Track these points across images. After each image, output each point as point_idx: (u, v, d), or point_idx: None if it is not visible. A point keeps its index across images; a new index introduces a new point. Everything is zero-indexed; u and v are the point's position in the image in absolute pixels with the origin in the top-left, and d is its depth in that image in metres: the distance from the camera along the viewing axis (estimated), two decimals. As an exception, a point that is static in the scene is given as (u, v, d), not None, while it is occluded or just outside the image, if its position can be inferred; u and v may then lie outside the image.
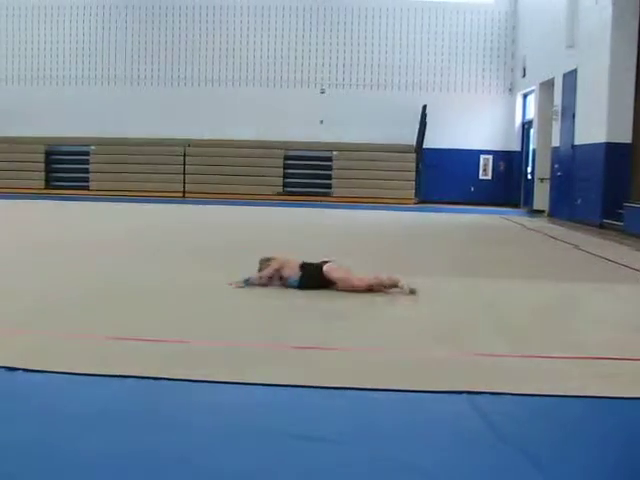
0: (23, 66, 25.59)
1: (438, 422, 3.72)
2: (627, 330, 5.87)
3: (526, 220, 18.32)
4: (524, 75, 23.20)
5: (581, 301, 7.13)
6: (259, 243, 10.70)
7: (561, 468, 3.17)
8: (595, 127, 16.32)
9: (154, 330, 5.33)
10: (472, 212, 20.51)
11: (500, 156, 24.79)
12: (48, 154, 25.11)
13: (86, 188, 24.52)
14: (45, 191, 24.22)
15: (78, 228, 13.57)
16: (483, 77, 24.84)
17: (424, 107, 24.08)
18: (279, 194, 23.96)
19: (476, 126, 24.61)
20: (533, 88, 22.16)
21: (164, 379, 4.16)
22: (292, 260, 7.25)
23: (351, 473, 3.07)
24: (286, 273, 7.17)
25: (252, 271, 7.31)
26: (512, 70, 24.57)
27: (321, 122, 24.68)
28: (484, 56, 24.79)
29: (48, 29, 25.44)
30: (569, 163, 18.15)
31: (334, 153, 24.41)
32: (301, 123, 24.44)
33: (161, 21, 25.22)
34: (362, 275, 7.16)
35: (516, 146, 24.32)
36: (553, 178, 19.65)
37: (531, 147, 22.72)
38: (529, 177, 22.74)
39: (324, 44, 24.99)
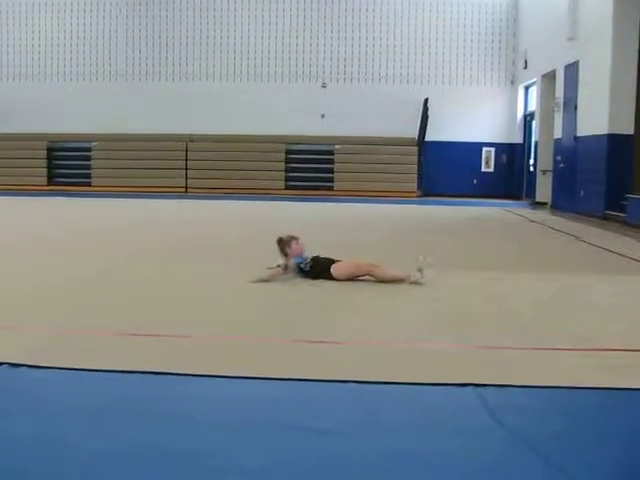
0: (24, 63, 25.58)
1: (444, 415, 3.73)
2: (632, 322, 5.87)
3: (529, 212, 18.31)
4: (526, 67, 23.15)
5: (585, 293, 7.13)
6: (260, 238, 10.69)
7: (569, 461, 3.17)
8: (597, 119, 16.29)
9: (163, 325, 5.34)
10: (474, 205, 20.50)
11: (502, 148, 24.77)
12: (50, 150, 25.11)
13: (88, 184, 24.54)
14: (47, 188, 24.23)
15: (80, 225, 13.58)
16: (485, 69, 24.80)
17: (426, 100, 24.06)
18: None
19: (478, 119, 24.58)
20: (535, 80, 22.13)
21: (170, 374, 4.18)
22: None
23: (357, 466, 3.08)
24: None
25: (255, 265, 7.31)
26: (514, 62, 24.52)
27: (322, 116, 24.67)
28: (485, 49, 24.75)
29: (49, 25, 25.42)
30: (571, 155, 18.12)
31: (336, 147, 24.40)
32: (303, 117, 24.42)
33: (162, 16, 25.19)
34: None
35: (518, 138, 24.30)
36: (555, 170, 19.63)
37: (533, 139, 22.69)
38: (531, 169, 22.72)
39: (325, 38, 24.96)
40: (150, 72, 25.33)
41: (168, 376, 4.16)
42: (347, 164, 24.26)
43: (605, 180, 16.00)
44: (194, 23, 25.12)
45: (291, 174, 24.67)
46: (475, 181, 24.65)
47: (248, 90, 24.85)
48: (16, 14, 25.49)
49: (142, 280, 7.33)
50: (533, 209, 19.80)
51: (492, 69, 24.79)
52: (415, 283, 7.10)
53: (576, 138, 17.77)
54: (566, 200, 18.43)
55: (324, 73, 25.03)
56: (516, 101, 24.39)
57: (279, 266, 7.29)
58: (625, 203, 15.03)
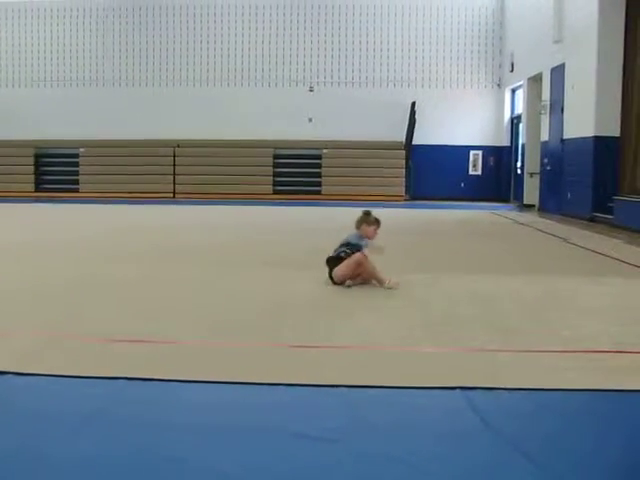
0: (11, 69, 25.51)
1: (432, 418, 3.73)
2: (619, 323, 5.88)
3: (516, 215, 18.36)
4: (512, 70, 23.23)
5: (573, 294, 7.15)
6: (247, 243, 10.70)
7: (555, 463, 3.17)
8: (583, 121, 16.35)
9: (153, 331, 5.32)
10: (462, 208, 20.53)
11: (489, 151, 24.83)
12: (37, 157, 25.03)
13: (76, 190, 24.46)
14: (35, 194, 24.16)
15: (67, 231, 13.54)
16: (471, 73, 24.86)
17: (413, 104, 24.11)
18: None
19: (465, 122, 24.64)
20: (521, 83, 22.20)
21: (157, 380, 4.16)
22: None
23: (347, 470, 3.07)
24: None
25: (244, 269, 7.30)
26: (500, 65, 24.60)
27: (310, 120, 24.67)
28: (472, 52, 24.82)
29: (35, 32, 25.36)
30: (558, 157, 18.19)
31: (324, 151, 24.40)
32: (290, 121, 24.43)
33: (149, 22, 25.16)
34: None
35: (505, 141, 24.36)
36: (543, 172, 19.69)
37: (520, 142, 22.76)
38: (519, 172, 22.78)
39: (312, 42, 24.98)
40: (137, 78, 25.29)
41: (156, 382, 4.14)
42: (335, 168, 24.26)
43: (592, 182, 16.05)
44: (181, 29, 25.10)
45: (279, 179, 24.66)
46: (463, 184, 24.69)
47: (235, 95, 24.84)
48: (2, 20, 25.42)
49: (129, 285, 7.31)
50: (521, 211, 19.86)
51: (479, 72, 24.85)
52: (389, 288, 7.08)
53: (563, 140, 17.83)
54: (553, 202, 18.49)
55: (311, 77, 25.04)
56: (503, 104, 24.46)
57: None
58: (612, 205, 15.09)
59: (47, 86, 25.41)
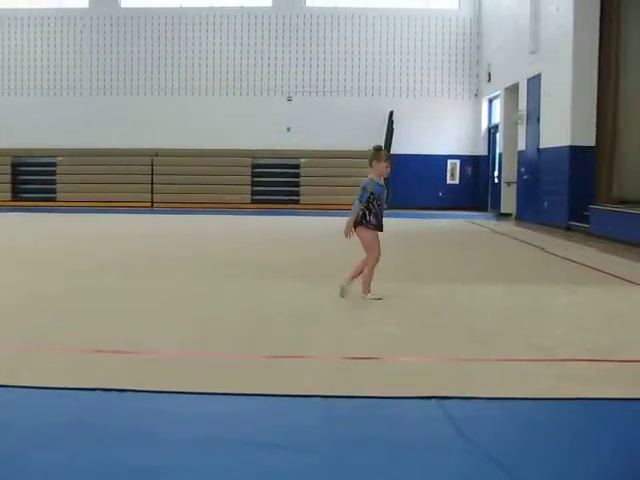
0: (-13, 77, 25.36)
1: (407, 428, 3.75)
2: (595, 332, 5.94)
3: (494, 224, 18.46)
4: (489, 80, 23.37)
5: (548, 303, 7.21)
6: (226, 253, 10.68)
7: (529, 472, 3.21)
8: (559, 131, 16.48)
9: (131, 342, 5.32)
10: (440, 217, 20.61)
11: (467, 161, 24.94)
12: (14, 166, 24.89)
13: (53, 199, 24.34)
14: (12, 203, 23.99)
15: (44, 240, 13.47)
16: (449, 83, 24.98)
17: (391, 113, 24.19)
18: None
19: (443, 131, 24.75)
20: (498, 93, 22.34)
21: (134, 391, 4.16)
22: None
23: (320, 481, 3.09)
24: None
25: (220, 278, 7.29)
26: (477, 75, 24.74)
27: (288, 129, 24.70)
28: (450, 62, 24.95)
29: (12, 40, 25.22)
30: (535, 167, 18.31)
31: (302, 160, 24.43)
32: (269, 131, 24.44)
33: (127, 32, 25.09)
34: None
35: (483, 150, 24.48)
36: (520, 182, 19.81)
37: (497, 151, 22.87)
38: (496, 181, 22.90)
39: (290, 52, 25.02)
40: (115, 87, 25.21)
41: (133, 393, 4.14)
42: (313, 177, 24.30)
43: (568, 191, 16.17)
44: (159, 38, 25.07)
45: (257, 188, 24.65)
46: (441, 193, 24.79)
47: (214, 104, 24.82)
48: (-23, 29, 25.29)
49: (105, 296, 7.29)
50: (498, 220, 19.96)
51: (456, 82, 24.98)
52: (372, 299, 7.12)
53: (539, 150, 17.96)
54: (530, 211, 18.61)
55: (290, 87, 25.08)
56: (480, 114, 24.59)
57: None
58: (588, 214, 15.21)
59: (24, 94, 25.27)
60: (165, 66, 25.09)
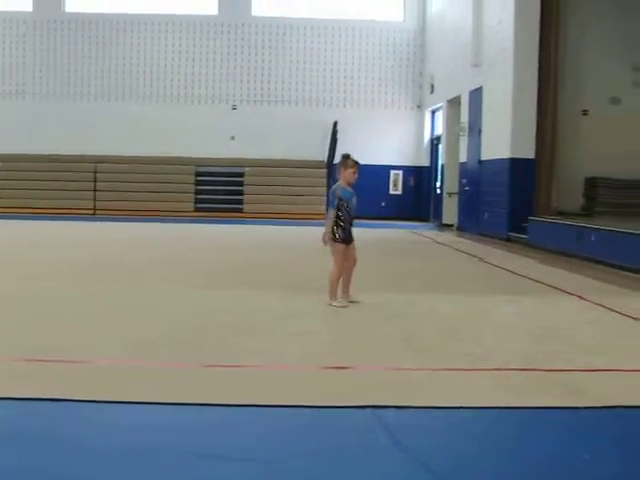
0: None
1: (342, 437, 3.76)
2: (531, 342, 6.04)
3: (435, 234, 18.64)
4: (432, 92, 23.62)
5: (486, 313, 7.31)
6: (167, 260, 10.62)
7: None
8: (500, 143, 16.73)
9: (66, 349, 5.26)
10: (383, 227, 20.74)
11: (410, 171, 25.16)
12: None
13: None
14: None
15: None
16: (393, 94, 25.18)
17: (335, 123, 24.30)
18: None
19: (386, 142, 24.91)
20: (441, 105, 22.58)
21: (66, 400, 4.11)
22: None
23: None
24: None
25: (159, 284, 7.25)
26: (421, 87, 24.98)
27: (232, 138, 24.65)
28: (393, 73, 25.16)
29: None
30: (476, 178, 18.55)
31: (246, 169, 24.40)
32: (213, 139, 24.36)
33: (71, 36, 24.81)
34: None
35: (425, 161, 24.72)
36: (461, 193, 20.04)
37: (440, 162, 23.11)
38: (438, 192, 23.13)
39: (235, 61, 24.99)
40: (58, 92, 24.90)
41: (64, 403, 4.09)
42: (257, 186, 24.28)
43: (508, 203, 16.41)
44: (103, 43, 24.82)
45: (200, 196, 24.53)
46: (383, 203, 24.95)
47: (158, 112, 24.67)
48: None
49: (36, 303, 7.19)
50: (440, 231, 20.16)
51: (400, 93, 25.20)
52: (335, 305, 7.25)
53: (480, 162, 18.20)
54: (472, 222, 18.84)
55: (234, 95, 25.04)
56: (423, 125, 24.84)
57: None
58: (527, 225, 15.45)
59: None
60: (109, 72, 24.86)
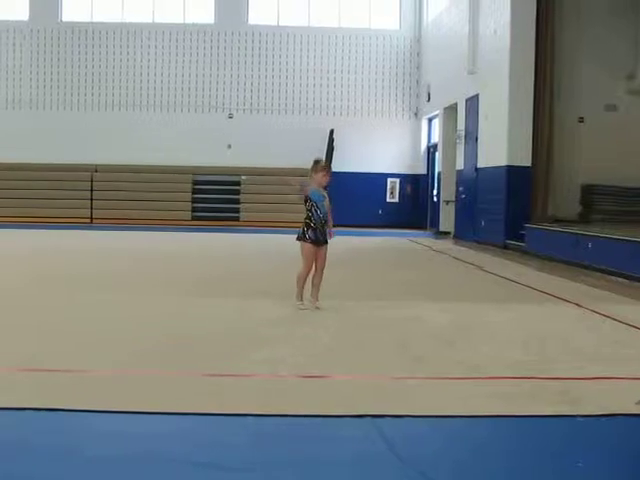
0: None
1: (340, 447, 3.76)
2: (525, 350, 6.04)
3: (432, 242, 18.65)
4: (429, 100, 23.67)
5: (482, 321, 7.31)
6: (164, 270, 10.60)
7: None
8: (496, 151, 16.76)
9: (62, 360, 5.25)
10: (380, 235, 20.76)
11: (407, 179, 25.19)
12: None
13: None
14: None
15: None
16: (389, 102, 25.24)
17: (331, 131, 24.33)
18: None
19: (383, 150, 24.95)
20: (437, 113, 22.62)
21: (64, 410, 4.11)
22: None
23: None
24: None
25: (157, 296, 7.24)
26: (417, 95, 25.04)
27: (229, 147, 24.68)
28: (390, 81, 25.21)
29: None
30: (473, 186, 18.57)
31: (242, 177, 24.43)
32: (209, 148, 24.39)
33: (67, 46, 24.84)
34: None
35: (422, 169, 24.75)
36: (458, 200, 20.06)
37: (437, 170, 23.12)
38: (435, 200, 23.15)
39: (232, 69, 25.03)
40: (55, 101, 24.92)
41: (63, 412, 4.08)
42: (253, 195, 24.31)
43: (505, 210, 16.42)
44: (100, 52, 24.86)
45: (197, 205, 24.56)
46: (380, 211, 24.97)
47: (155, 120, 24.70)
48: None
49: (35, 312, 7.18)
50: (437, 239, 20.17)
51: (396, 101, 25.25)
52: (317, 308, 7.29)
53: (477, 169, 18.23)
54: (468, 230, 18.85)
55: (231, 104, 25.08)
56: (420, 133, 24.88)
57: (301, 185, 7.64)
58: (524, 232, 15.46)
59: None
60: (106, 81, 24.89)
